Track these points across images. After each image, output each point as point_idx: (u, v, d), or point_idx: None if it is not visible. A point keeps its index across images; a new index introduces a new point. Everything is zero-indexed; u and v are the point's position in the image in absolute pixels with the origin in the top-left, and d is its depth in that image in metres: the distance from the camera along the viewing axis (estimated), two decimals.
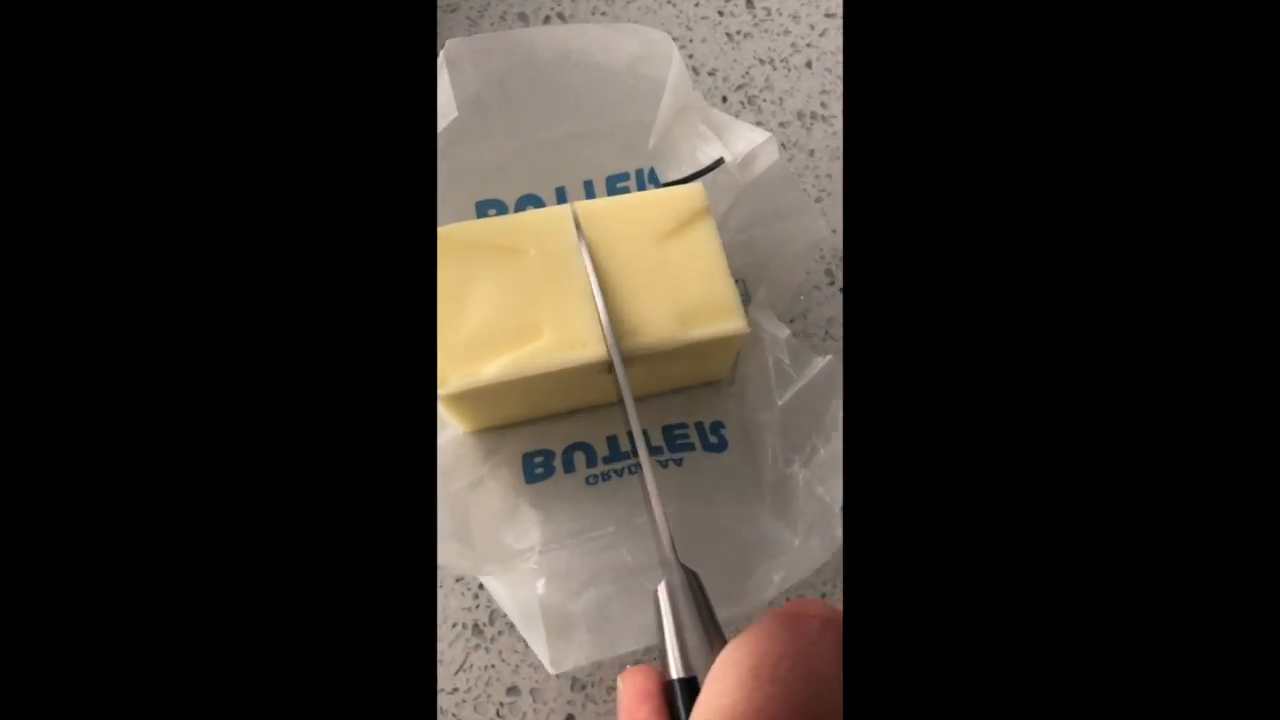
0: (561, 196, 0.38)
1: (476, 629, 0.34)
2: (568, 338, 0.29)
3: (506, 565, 0.30)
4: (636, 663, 0.33)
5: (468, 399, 0.29)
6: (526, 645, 0.34)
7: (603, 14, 0.47)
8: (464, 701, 0.33)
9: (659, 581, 0.25)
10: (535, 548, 0.31)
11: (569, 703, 0.33)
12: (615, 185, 0.38)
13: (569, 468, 0.33)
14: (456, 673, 0.33)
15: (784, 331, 0.35)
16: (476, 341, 0.29)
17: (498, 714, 0.33)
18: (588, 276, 0.30)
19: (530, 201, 0.38)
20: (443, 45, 0.36)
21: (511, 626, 0.34)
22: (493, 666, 0.34)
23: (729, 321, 0.30)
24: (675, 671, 0.23)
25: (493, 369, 0.28)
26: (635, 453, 0.32)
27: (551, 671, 0.28)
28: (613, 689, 0.33)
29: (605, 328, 0.29)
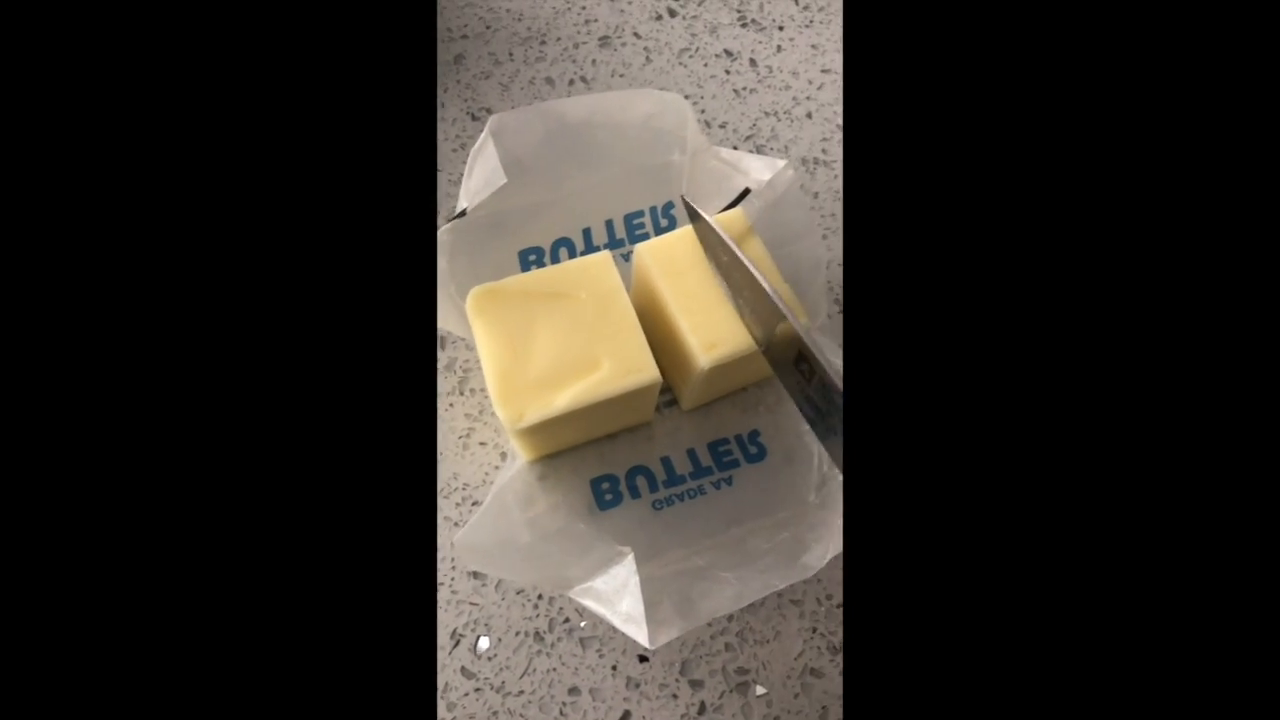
0: (588, 236, 0.42)
1: (538, 636, 0.37)
2: (624, 366, 0.33)
3: (591, 585, 0.33)
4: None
5: (538, 429, 0.33)
6: (584, 649, 0.37)
7: (620, 76, 0.51)
8: (530, 702, 0.36)
9: None
10: (614, 569, 0.33)
11: (625, 699, 0.36)
12: (632, 221, 0.43)
13: (634, 494, 0.37)
14: (522, 676, 0.36)
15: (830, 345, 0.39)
16: (545, 378, 0.32)
17: (561, 713, 0.36)
18: (633, 311, 0.34)
19: (562, 244, 0.42)
20: (477, 113, 0.40)
21: (570, 633, 0.37)
22: (554, 670, 0.36)
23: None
24: None
25: (563, 400, 0.32)
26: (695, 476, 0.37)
27: (650, 646, 0.31)
28: (664, 686, 0.36)
29: (785, 312, 0.31)
